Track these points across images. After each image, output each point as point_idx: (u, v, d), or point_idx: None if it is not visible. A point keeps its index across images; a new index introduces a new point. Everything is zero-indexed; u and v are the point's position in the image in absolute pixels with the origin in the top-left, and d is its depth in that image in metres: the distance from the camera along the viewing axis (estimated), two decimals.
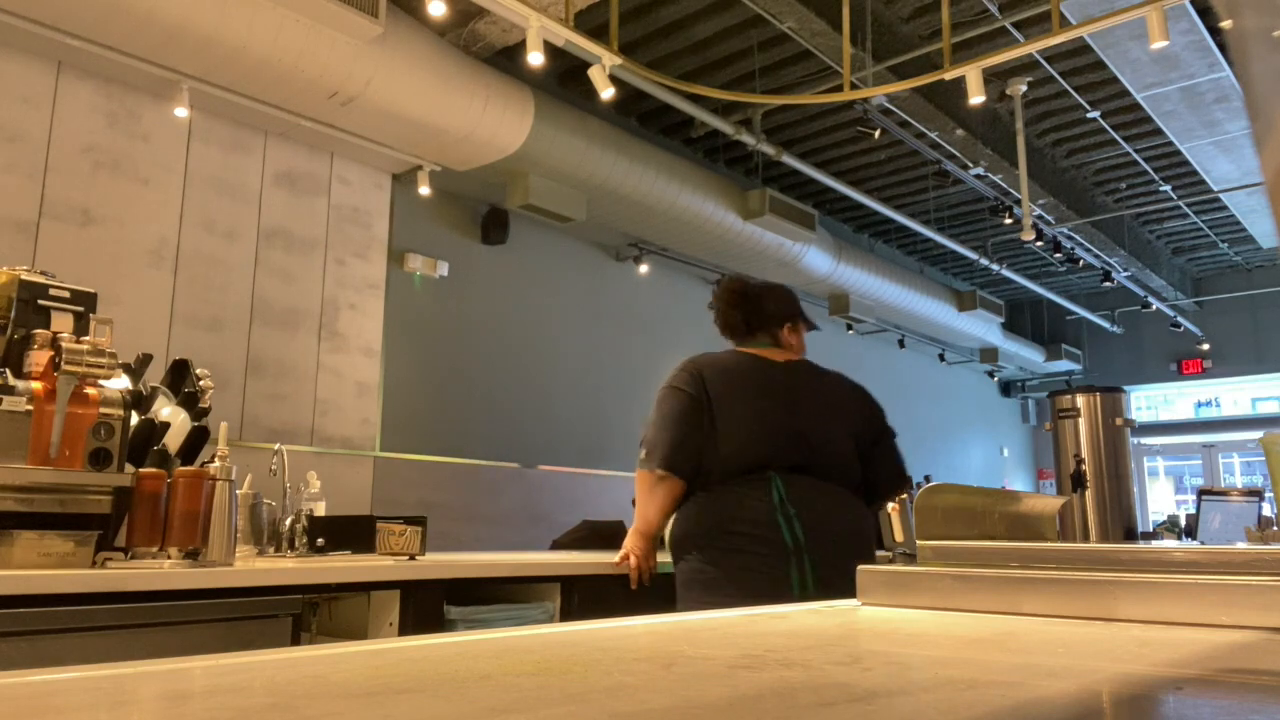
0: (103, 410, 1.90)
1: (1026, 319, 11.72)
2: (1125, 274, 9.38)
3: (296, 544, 2.71)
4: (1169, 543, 4.53)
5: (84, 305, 2.08)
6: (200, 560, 1.99)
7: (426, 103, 4.68)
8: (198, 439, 2.24)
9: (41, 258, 4.02)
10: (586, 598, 2.61)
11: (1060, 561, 0.89)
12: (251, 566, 2.06)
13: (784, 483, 2.26)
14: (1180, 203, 8.39)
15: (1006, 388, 12.44)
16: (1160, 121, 6.34)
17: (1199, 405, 11.90)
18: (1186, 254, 10.44)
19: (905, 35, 5.54)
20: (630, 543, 2.55)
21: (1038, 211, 7.58)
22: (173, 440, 2.20)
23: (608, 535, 4.21)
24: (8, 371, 1.87)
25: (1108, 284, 9.24)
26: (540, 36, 3.46)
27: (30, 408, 1.83)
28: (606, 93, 3.69)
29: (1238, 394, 11.62)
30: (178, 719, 0.38)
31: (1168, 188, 8.05)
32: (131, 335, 3.77)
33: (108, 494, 1.87)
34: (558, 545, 4.13)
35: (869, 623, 0.80)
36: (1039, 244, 7.84)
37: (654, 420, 2.39)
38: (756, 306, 2.47)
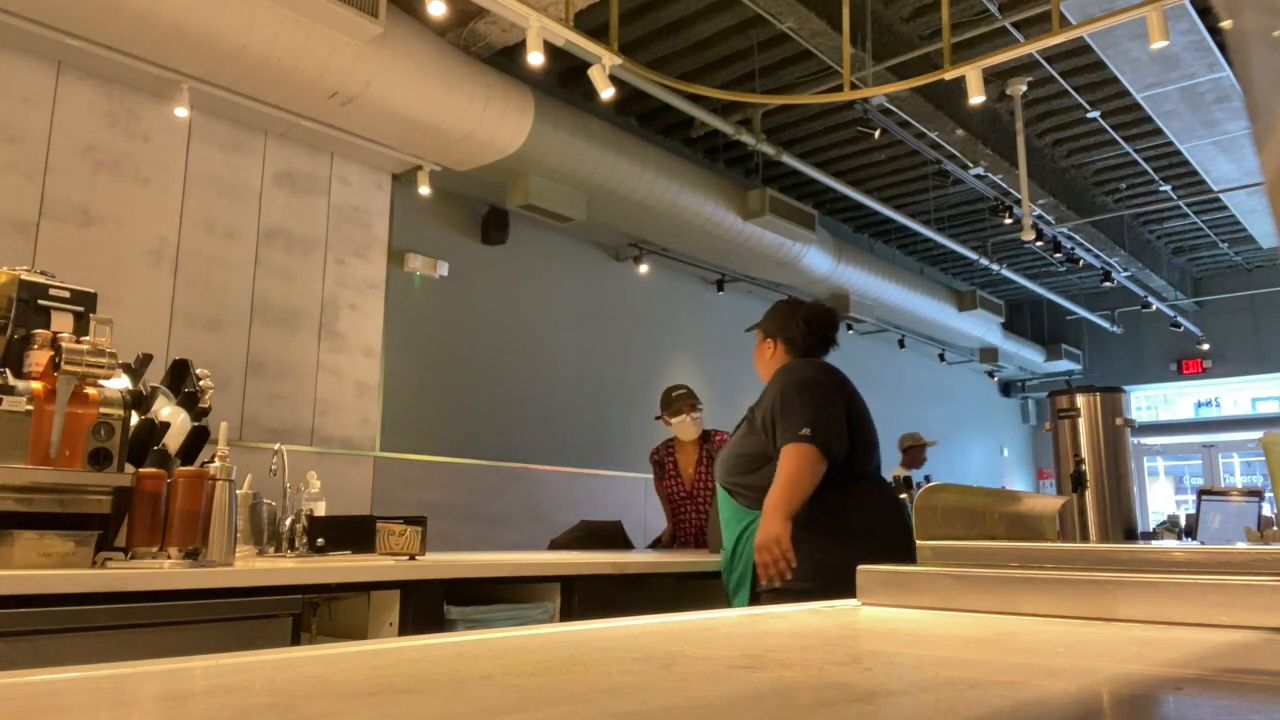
0: (103, 410, 1.90)
1: (1026, 319, 11.71)
2: (1125, 274, 9.38)
3: (296, 544, 2.70)
4: (1169, 543, 4.53)
5: (84, 305, 2.08)
6: (200, 560, 1.99)
7: (426, 103, 4.68)
8: (198, 439, 2.24)
9: (41, 258, 4.02)
10: (586, 598, 2.61)
11: (1060, 561, 0.90)
12: (251, 566, 2.06)
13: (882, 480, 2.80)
14: (1180, 203, 8.39)
15: (1006, 388, 12.44)
16: (1160, 121, 6.34)
17: (1199, 405, 11.90)
18: (1186, 254, 10.44)
19: (905, 35, 5.54)
20: (776, 527, 2.40)
21: (1038, 211, 7.58)
22: (173, 440, 2.20)
23: (605, 536, 4.20)
24: (8, 371, 1.87)
25: (1108, 284, 9.24)
26: (540, 36, 3.46)
27: (30, 408, 1.83)
28: (606, 93, 3.69)
29: (1238, 394, 11.62)
30: (178, 719, 0.38)
31: (1168, 188, 8.05)
32: (131, 335, 3.76)
33: (108, 494, 1.87)
34: (556, 545, 4.12)
35: (869, 623, 0.80)
36: (1039, 244, 7.84)
37: (809, 404, 2.54)
38: (832, 324, 2.87)
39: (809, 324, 2.80)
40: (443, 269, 5.80)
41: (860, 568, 0.96)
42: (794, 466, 2.44)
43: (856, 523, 2.49)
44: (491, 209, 6.08)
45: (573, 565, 2.64)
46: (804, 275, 7.48)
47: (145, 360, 2.25)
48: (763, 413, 2.60)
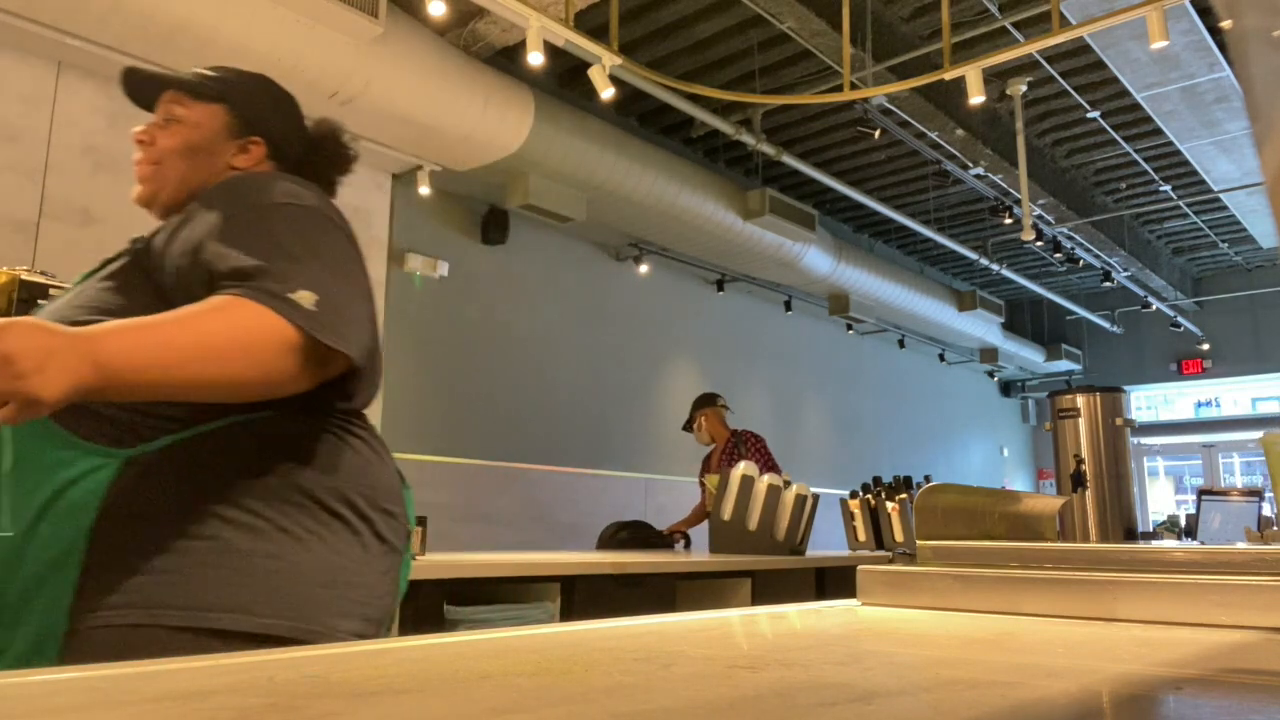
0: None
1: (1026, 319, 11.72)
2: (1125, 274, 9.39)
3: None
4: (1169, 543, 4.53)
5: None
6: None
7: (426, 103, 4.68)
8: None
9: (41, 258, 4.02)
10: (586, 598, 2.61)
11: (1060, 561, 0.90)
12: None
13: None
14: (1180, 203, 8.39)
15: (1006, 388, 12.45)
16: (1160, 121, 6.34)
17: (1199, 405, 11.90)
18: (1186, 254, 10.44)
19: (905, 35, 5.54)
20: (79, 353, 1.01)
21: (1038, 211, 7.58)
22: None
23: (643, 537, 4.37)
24: None
25: (1108, 284, 9.25)
26: (540, 36, 3.46)
27: None
28: (606, 93, 3.69)
29: (1238, 394, 11.62)
30: (178, 719, 0.38)
31: (1168, 188, 8.05)
32: None
33: None
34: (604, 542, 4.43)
35: (869, 623, 0.80)
36: (1039, 244, 7.84)
37: (313, 248, 1.17)
38: (339, 139, 1.55)
39: (297, 118, 1.46)
40: (443, 269, 5.80)
41: (860, 568, 0.95)
42: (245, 334, 1.03)
43: (355, 505, 1.19)
44: (491, 209, 6.08)
45: (573, 565, 2.64)
46: (804, 275, 7.49)
47: None
48: (183, 238, 1.16)
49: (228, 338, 1.02)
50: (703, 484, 4.76)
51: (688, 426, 4.96)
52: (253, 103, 1.40)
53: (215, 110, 1.35)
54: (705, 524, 4.71)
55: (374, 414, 5.02)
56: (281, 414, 1.15)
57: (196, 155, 1.32)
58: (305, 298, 1.06)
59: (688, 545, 4.44)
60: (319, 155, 1.48)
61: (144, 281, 1.17)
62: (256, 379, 1.05)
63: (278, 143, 1.41)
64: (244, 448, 1.12)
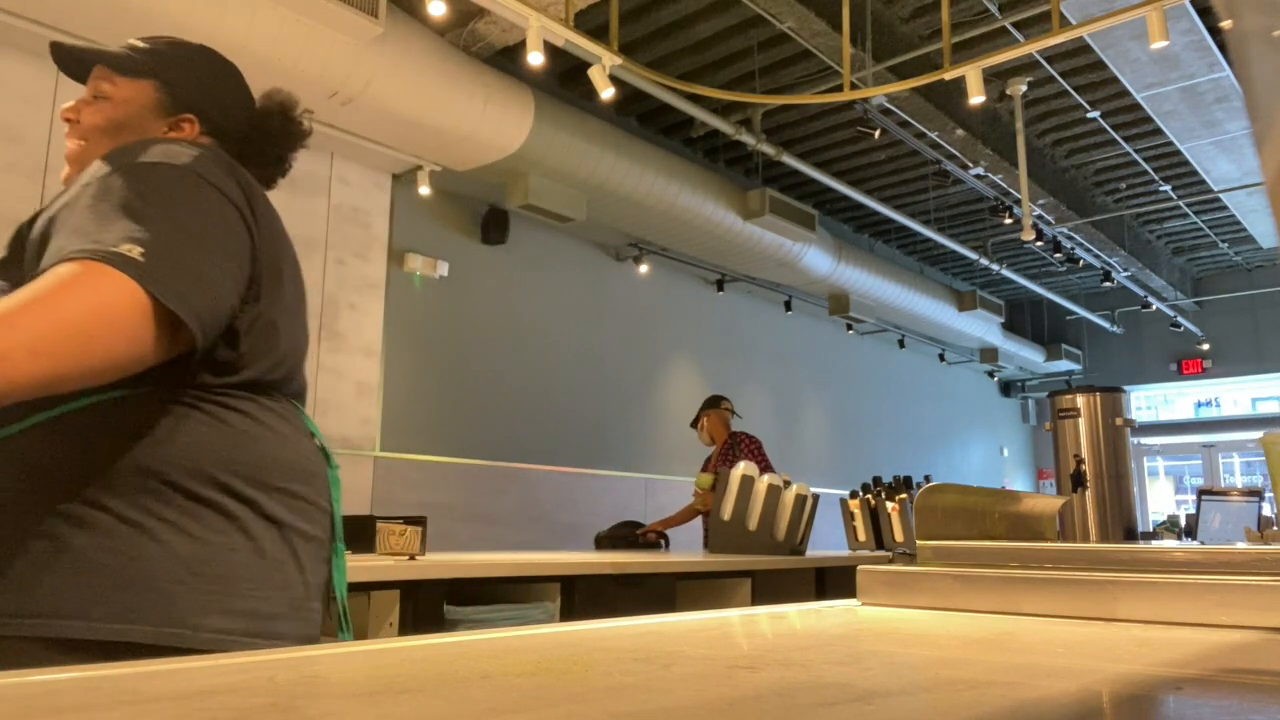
0: None
1: (1026, 319, 11.72)
2: (1125, 274, 9.39)
3: None
4: (1169, 543, 4.53)
5: None
6: None
7: (426, 103, 4.68)
8: None
9: None
10: (586, 598, 2.61)
11: (1060, 561, 0.90)
12: None
13: None
14: (1180, 203, 8.39)
15: (1006, 388, 12.45)
16: (1160, 121, 6.34)
17: (1199, 405, 11.91)
18: (1186, 254, 10.44)
19: (905, 35, 5.54)
20: None
21: (1038, 211, 7.58)
22: None
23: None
24: None
25: (1108, 284, 9.25)
26: (540, 36, 3.46)
27: None
28: (606, 93, 3.69)
29: (1238, 394, 11.63)
30: (178, 719, 0.38)
31: (1168, 188, 8.05)
32: None
33: None
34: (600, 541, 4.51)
35: (869, 623, 0.80)
36: (1039, 244, 7.84)
37: (164, 205, 1.15)
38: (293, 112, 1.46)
39: (240, 93, 1.37)
40: (443, 269, 5.80)
41: (860, 568, 0.95)
42: (79, 303, 0.93)
43: (228, 486, 1.07)
44: (491, 209, 6.08)
45: (573, 565, 2.64)
46: (804, 275, 7.49)
47: None
48: (50, 209, 1.12)
49: (84, 311, 0.91)
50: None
51: (695, 424, 5.09)
52: (186, 78, 1.30)
53: (143, 86, 1.27)
54: (694, 524, 4.84)
55: (374, 414, 4.97)
56: (133, 394, 1.04)
57: (122, 133, 1.23)
58: (131, 250, 0.95)
59: (666, 545, 4.48)
60: (265, 131, 1.37)
61: (20, 260, 1.10)
62: (129, 354, 0.95)
63: (215, 120, 1.31)
64: (87, 435, 1.02)
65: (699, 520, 4.80)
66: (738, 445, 4.73)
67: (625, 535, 4.50)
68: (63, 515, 0.98)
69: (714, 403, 5.03)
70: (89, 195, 1.04)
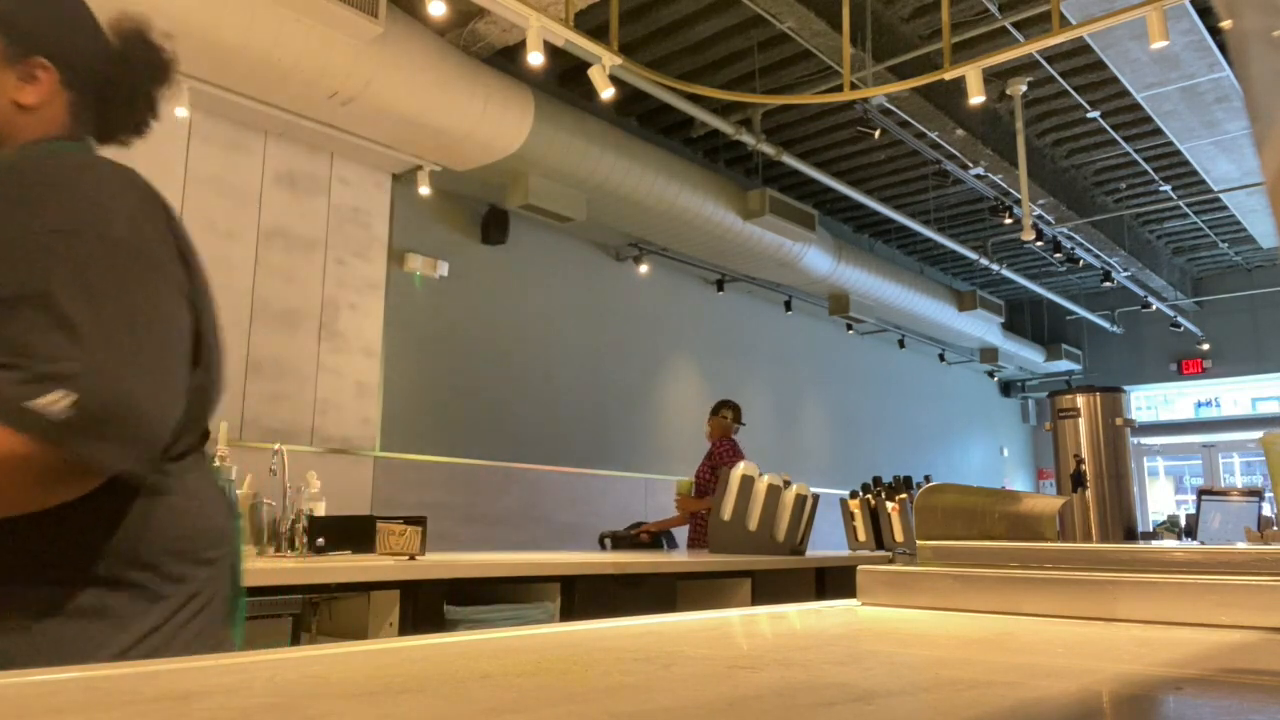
0: None
1: (1026, 319, 11.72)
2: (1125, 274, 9.39)
3: (296, 544, 2.71)
4: (1169, 543, 4.53)
5: None
6: None
7: (426, 103, 4.68)
8: None
9: None
10: (586, 598, 2.61)
11: (1060, 561, 0.89)
12: (251, 566, 2.06)
13: None
14: (1180, 203, 8.39)
15: (1006, 388, 12.45)
16: (1160, 121, 6.34)
17: (1199, 405, 11.91)
18: (1186, 254, 10.44)
19: (905, 35, 5.54)
20: None
21: (1038, 211, 7.58)
22: None
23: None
24: None
25: (1108, 284, 9.25)
26: (540, 36, 3.46)
27: None
28: (606, 93, 3.69)
29: (1238, 394, 11.63)
30: (178, 719, 0.38)
31: (1168, 188, 8.05)
32: None
33: None
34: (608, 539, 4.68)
35: (869, 623, 0.80)
36: (1039, 244, 7.84)
37: (115, 312, 1.07)
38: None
39: (92, 27, 1.15)
40: (443, 269, 5.80)
41: (860, 568, 0.95)
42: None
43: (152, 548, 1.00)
44: (491, 209, 6.08)
45: (573, 565, 2.64)
46: (804, 275, 7.49)
47: None
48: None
49: None
50: None
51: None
52: (27, 14, 1.06)
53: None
54: (688, 525, 4.96)
55: (374, 414, 4.98)
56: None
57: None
58: (59, 401, 0.83)
59: (669, 546, 4.57)
60: (129, 66, 1.16)
61: None
62: (46, 501, 0.88)
63: (72, 63, 1.08)
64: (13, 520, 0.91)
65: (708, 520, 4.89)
66: (713, 452, 4.95)
67: (627, 535, 4.56)
68: None
69: (716, 409, 5.14)
70: (4, 271, 0.89)
